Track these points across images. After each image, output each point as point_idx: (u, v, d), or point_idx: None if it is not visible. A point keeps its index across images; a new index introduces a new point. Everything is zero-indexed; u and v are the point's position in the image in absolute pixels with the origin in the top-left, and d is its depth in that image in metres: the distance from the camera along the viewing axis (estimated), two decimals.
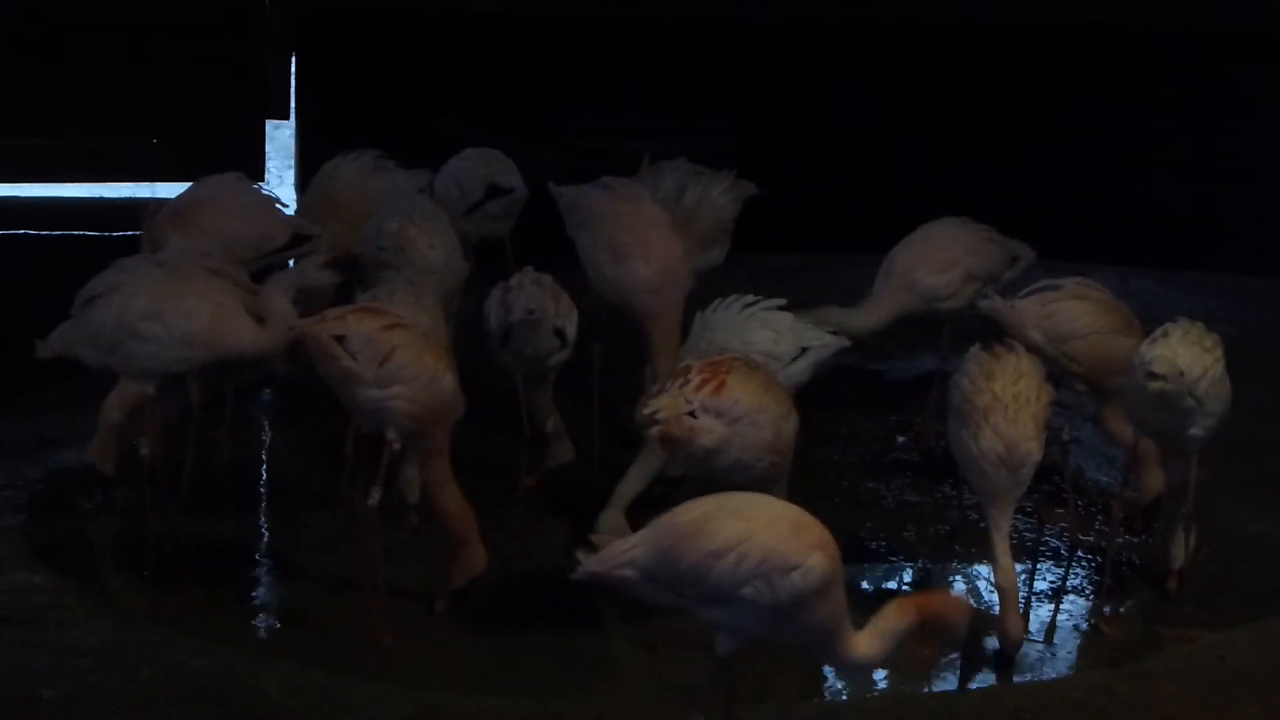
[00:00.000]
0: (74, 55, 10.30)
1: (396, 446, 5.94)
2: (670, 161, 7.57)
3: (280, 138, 10.89)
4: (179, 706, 5.23)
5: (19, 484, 6.72)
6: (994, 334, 6.40)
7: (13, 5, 10.27)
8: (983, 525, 6.07)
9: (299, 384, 7.00)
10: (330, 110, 10.48)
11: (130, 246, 6.80)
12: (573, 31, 10.74)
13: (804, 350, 6.49)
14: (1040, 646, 6.16)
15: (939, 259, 7.23)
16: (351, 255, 7.03)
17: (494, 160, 7.70)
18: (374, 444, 6.19)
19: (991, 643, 6.00)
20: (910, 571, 6.68)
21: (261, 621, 6.23)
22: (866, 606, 4.90)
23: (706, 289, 6.83)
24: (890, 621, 4.83)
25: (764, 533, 4.73)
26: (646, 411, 5.77)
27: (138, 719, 5.18)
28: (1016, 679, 5.93)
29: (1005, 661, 5.95)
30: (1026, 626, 6.21)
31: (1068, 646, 6.23)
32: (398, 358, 5.86)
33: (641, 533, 4.85)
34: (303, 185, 9.76)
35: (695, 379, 5.77)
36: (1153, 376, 5.95)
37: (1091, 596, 6.49)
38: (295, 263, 6.82)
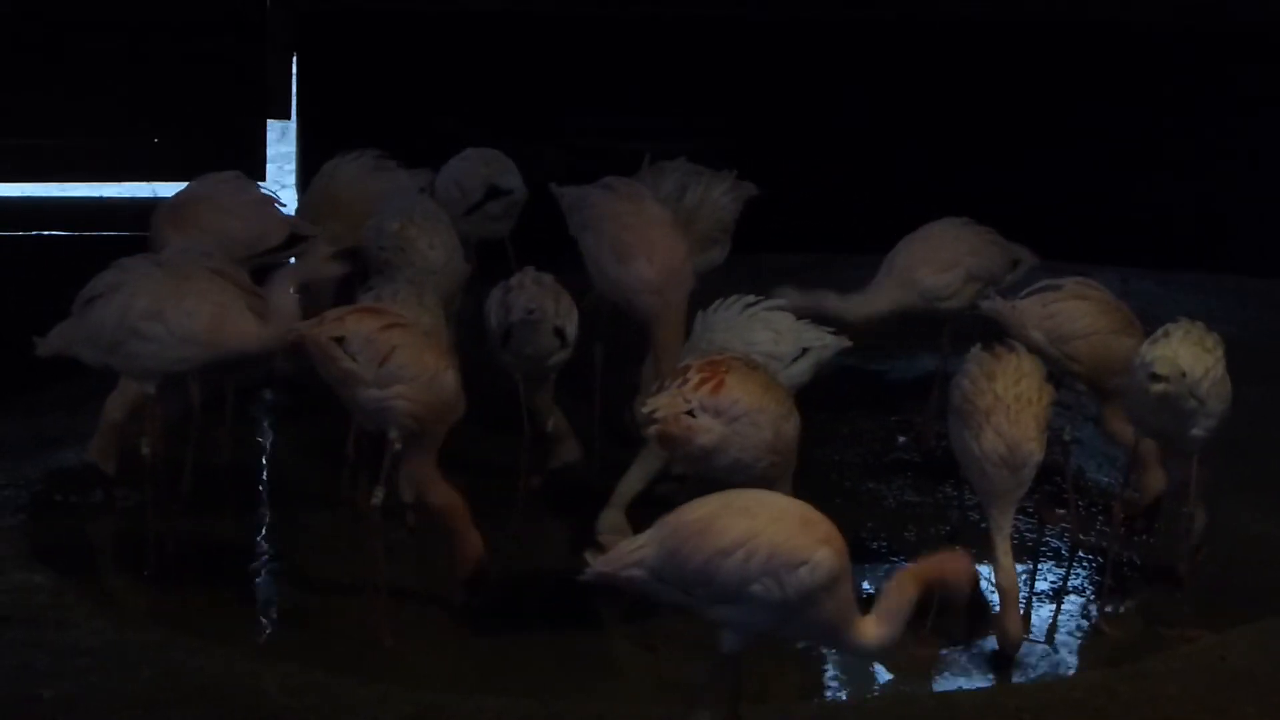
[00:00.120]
0: (74, 55, 10.29)
1: (398, 446, 5.94)
2: (670, 162, 7.57)
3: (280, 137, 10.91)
4: (179, 706, 5.23)
5: (19, 483, 6.72)
6: (995, 334, 6.40)
7: (13, 5, 10.27)
8: (984, 526, 6.07)
9: (301, 383, 6.99)
10: (331, 110, 10.48)
11: (130, 246, 6.80)
12: (573, 31, 10.74)
13: (805, 351, 6.49)
14: (1040, 646, 6.17)
15: (941, 258, 7.23)
16: (352, 249, 7.00)
17: (494, 161, 7.70)
18: (375, 444, 6.19)
19: (991, 643, 6.00)
20: None
21: (261, 621, 6.23)
22: (867, 607, 4.90)
23: (707, 289, 6.83)
24: (894, 599, 4.82)
25: (771, 529, 4.74)
26: (645, 410, 5.77)
27: (138, 719, 5.18)
28: (1016, 679, 5.93)
29: (1005, 661, 5.96)
30: (1028, 627, 6.22)
31: (1068, 646, 6.23)
32: (398, 357, 5.87)
33: (648, 532, 4.85)
34: (303, 185, 9.76)
35: (694, 378, 5.77)
36: (1155, 378, 5.95)
37: (1092, 596, 6.49)
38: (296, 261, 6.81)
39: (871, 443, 7.65)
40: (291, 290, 6.12)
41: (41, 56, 10.27)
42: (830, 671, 5.99)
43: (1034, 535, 6.80)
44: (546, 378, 6.77)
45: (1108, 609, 6.38)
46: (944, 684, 5.89)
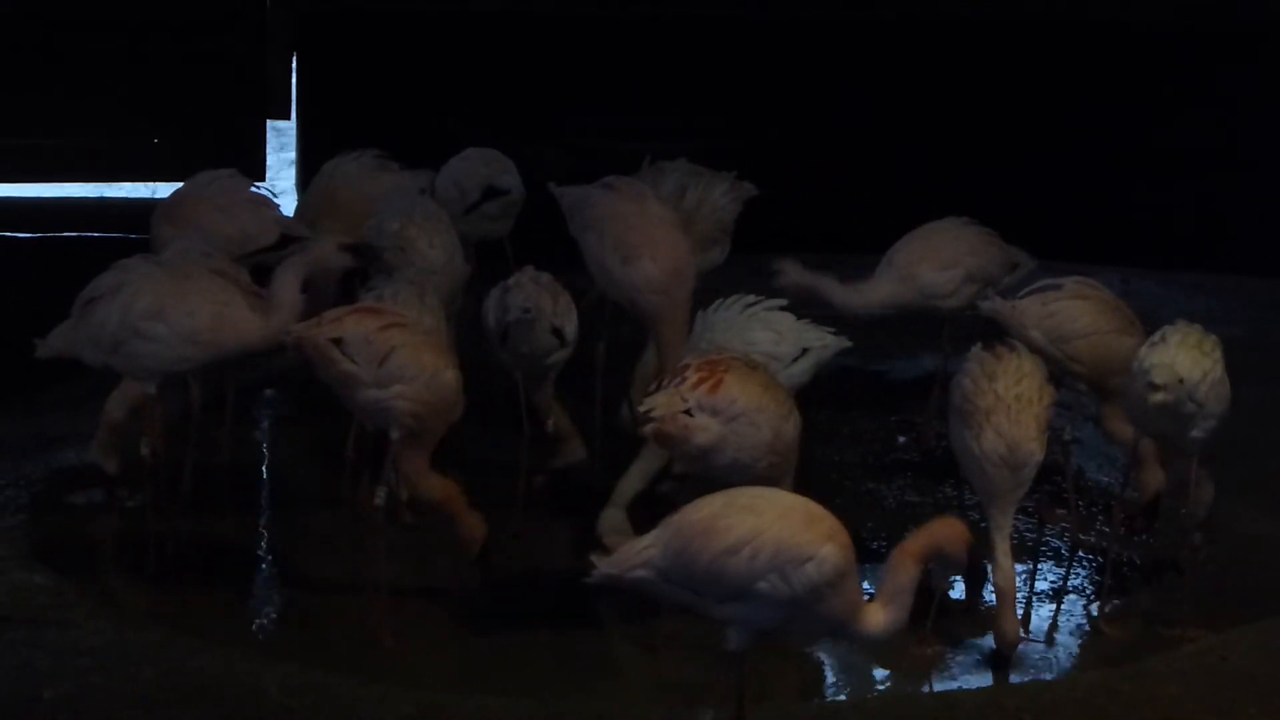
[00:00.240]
0: (74, 55, 10.30)
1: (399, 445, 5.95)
2: (671, 162, 7.57)
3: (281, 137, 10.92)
4: (180, 706, 5.23)
5: (20, 484, 6.72)
6: (996, 334, 6.40)
7: (13, 5, 10.27)
8: (984, 525, 6.06)
9: (304, 380, 6.98)
10: (331, 110, 10.48)
11: (130, 247, 6.80)
12: (573, 31, 10.74)
13: (805, 351, 6.50)
14: (1041, 646, 6.17)
15: (941, 257, 7.23)
16: (368, 244, 6.95)
17: (494, 161, 7.69)
18: (375, 445, 6.19)
19: (991, 642, 6.00)
20: None
21: (262, 621, 6.23)
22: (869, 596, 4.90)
23: (708, 289, 6.83)
24: (896, 581, 4.82)
25: (776, 526, 4.74)
26: (643, 409, 5.77)
27: (138, 719, 5.18)
28: (1017, 679, 5.93)
29: (1005, 661, 5.96)
30: (1028, 627, 6.22)
31: (1068, 646, 6.23)
32: (397, 357, 5.86)
33: (653, 533, 4.86)
34: (303, 185, 9.76)
35: (692, 377, 5.77)
36: (1153, 387, 5.95)
37: (1092, 596, 6.49)
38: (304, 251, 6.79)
39: (872, 443, 7.66)
40: (298, 282, 6.11)
41: (41, 56, 10.27)
42: (830, 671, 5.99)
43: (1034, 535, 6.80)
44: (546, 377, 6.76)
45: (1108, 609, 6.38)
46: (944, 684, 5.88)
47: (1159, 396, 5.94)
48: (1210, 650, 5.75)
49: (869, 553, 6.67)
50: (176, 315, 6.05)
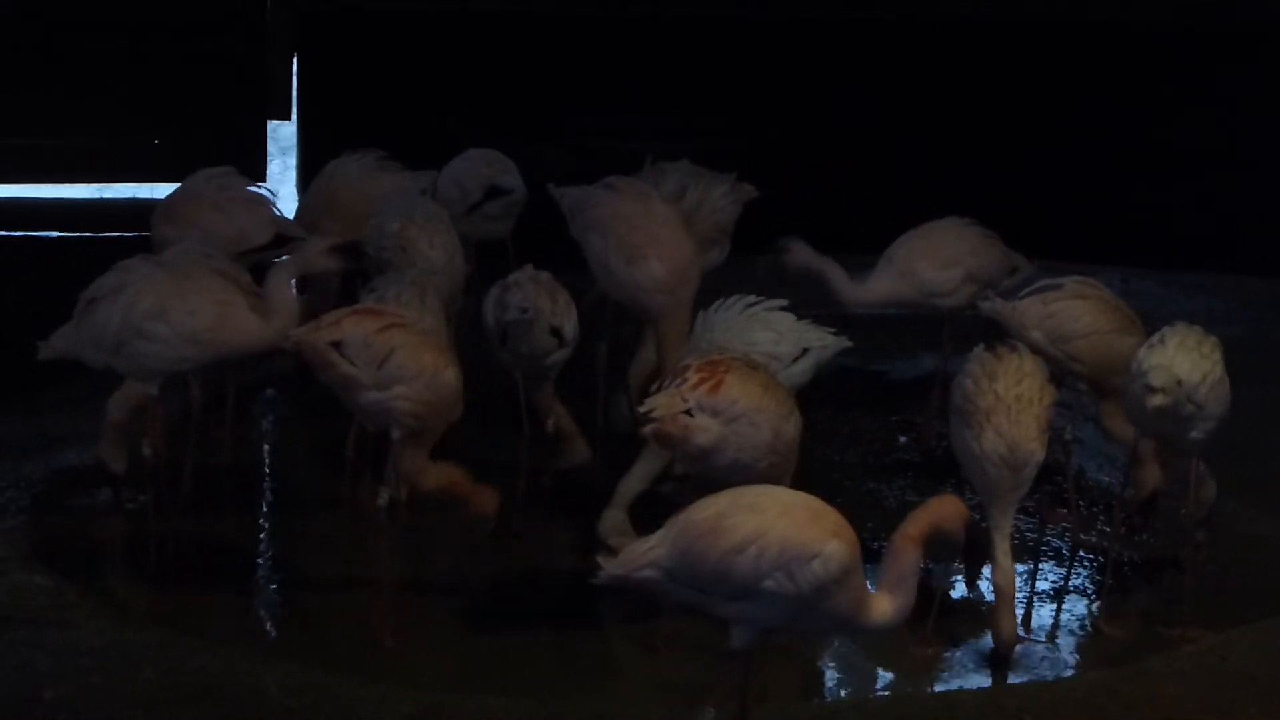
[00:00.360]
0: (74, 55, 10.30)
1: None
2: (672, 163, 7.57)
3: (282, 137, 10.91)
4: (180, 706, 5.23)
5: (21, 484, 6.73)
6: (996, 334, 6.40)
7: (13, 5, 10.27)
8: (984, 525, 6.06)
9: (304, 380, 6.99)
10: (332, 110, 10.48)
11: (130, 247, 6.80)
12: (573, 31, 10.74)
13: (805, 351, 6.50)
14: (1041, 646, 6.17)
15: (942, 255, 7.23)
16: (354, 243, 6.96)
17: (495, 161, 7.70)
18: (376, 445, 6.19)
19: (990, 642, 6.00)
20: None
21: (262, 621, 6.23)
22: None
23: (707, 289, 6.83)
24: (898, 566, 4.82)
25: (780, 524, 4.74)
26: (643, 410, 5.77)
27: (139, 719, 5.18)
28: (1017, 679, 5.93)
29: (1005, 661, 5.96)
30: (1028, 627, 6.22)
31: (1068, 646, 6.23)
32: (396, 358, 5.86)
33: (659, 534, 4.85)
34: (304, 185, 9.76)
35: (692, 378, 5.78)
36: (1151, 390, 5.95)
37: (1093, 596, 6.49)
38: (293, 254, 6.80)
39: (872, 443, 7.66)
40: (290, 284, 6.12)
41: (41, 56, 10.27)
42: (830, 671, 5.99)
43: (1034, 535, 6.80)
44: (546, 376, 6.76)
45: (1108, 609, 6.38)
46: (944, 684, 5.89)
47: (1157, 399, 5.94)
48: (1210, 650, 5.75)
49: (869, 553, 6.66)
50: (178, 315, 6.05)
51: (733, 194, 7.51)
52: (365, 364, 5.86)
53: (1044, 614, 6.40)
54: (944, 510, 4.90)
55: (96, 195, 10.65)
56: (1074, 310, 6.55)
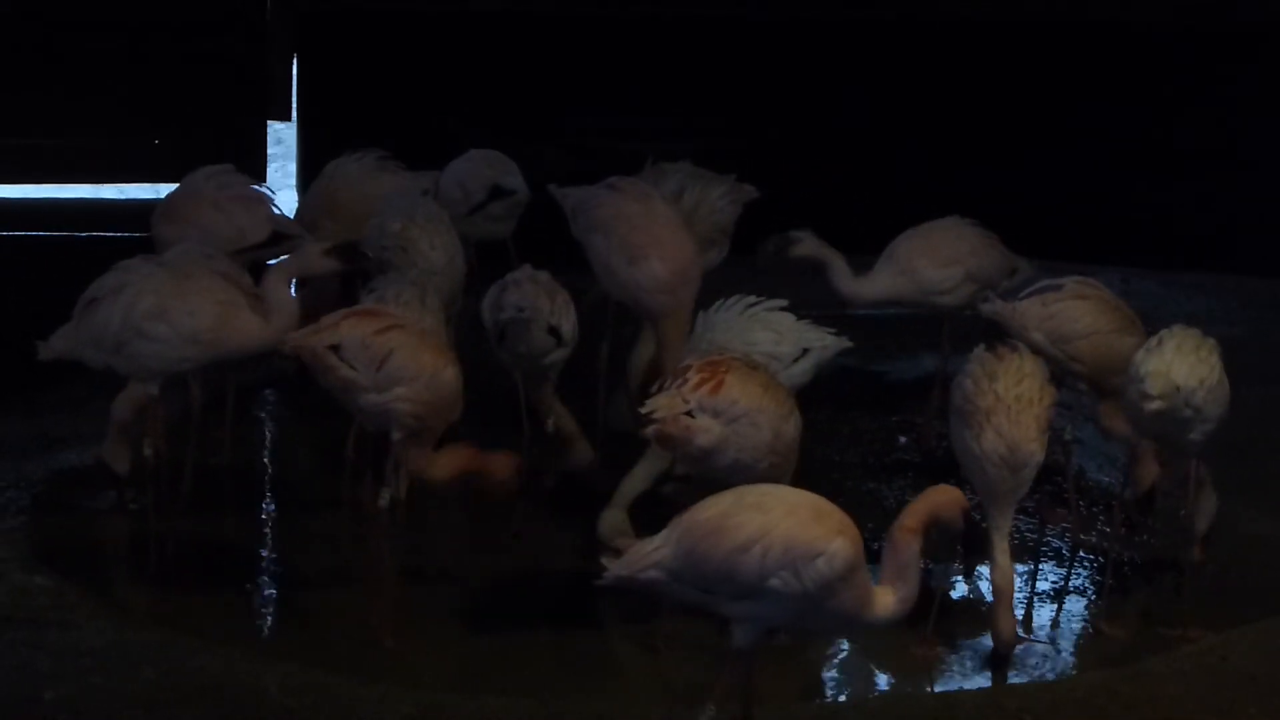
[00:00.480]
0: (74, 55, 10.30)
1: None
2: (673, 164, 7.56)
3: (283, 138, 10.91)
4: (180, 706, 5.23)
5: (21, 484, 6.73)
6: (996, 334, 6.40)
7: (13, 5, 10.27)
8: (984, 525, 6.06)
9: (303, 380, 6.98)
10: (332, 111, 10.48)
11: (130, 247, 6.80)
12: (573, 31, 10.74)
13: (805, 351, 6.50)
14: (1041, 646, 6.17)
15: (942, 254, 7.24)
16: (352, 243, 6.95)
17: (497, 161, 7.70)
18: (376, 445, 6.19)
19: (990, 642, 6.00)
20: None
21: (262, 621, 6.23)
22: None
23: (707, 289, 6.83)
24: (900, 559, 4.82)
25: (785, 523, 4.74)
26: (644, 410, 5.77)
27: (139, 719, 5.18)
28: (1017, 679, 5.93)
29: (1005, 661, 5.96)
30: (1029, 627, 6.22)
31: (1068, 646, 6.23)
32: (395, 359, 5.86)
33: (663, 533, 4.85)
34: (304, 185, 9.76)
35: (693, 378, 5.78)
36: (1149, 396, 5.94)
37: (1093, 596, 6.50)
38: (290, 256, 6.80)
39: (872, 443, 7.66)
40: (288, 285, 6.13)
41: (41, 56, 10.27)
42: (830, 671, 5.99)
43: (1034, 535, 6.80)
44: (545, 376, 6.75)
45: (1108, 609, 6.38)
46: (944, 684, 5.89)
47: (1155, 405, 5.94)
48: (1210, 650, 5.75)
49: (869, 553, 6.68)
50: (178, 315, 6.05)
51: (731, 195, 7.51)
52: (364, 366, 5.86)
53: (1044, 614, 6.40)
54: (940, 498, 4.90)
55: (96, 195, 10.65)
56: (1074, 311, 6.55)
